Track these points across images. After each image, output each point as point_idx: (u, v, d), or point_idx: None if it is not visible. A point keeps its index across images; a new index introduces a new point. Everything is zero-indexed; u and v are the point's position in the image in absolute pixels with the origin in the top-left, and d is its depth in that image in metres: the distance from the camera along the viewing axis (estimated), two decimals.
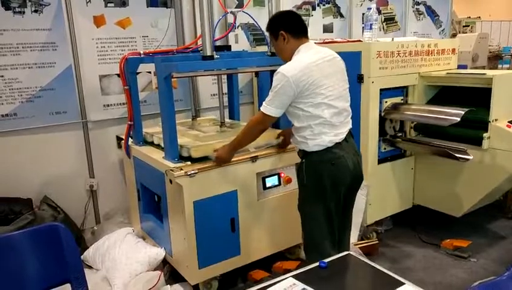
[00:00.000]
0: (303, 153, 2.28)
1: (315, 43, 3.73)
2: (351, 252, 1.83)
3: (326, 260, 1.71)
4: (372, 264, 1.69)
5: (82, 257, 2.96)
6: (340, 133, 2.22)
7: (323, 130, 2.18)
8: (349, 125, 2.31)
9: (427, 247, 3.25)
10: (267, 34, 2.41)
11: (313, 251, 2.32)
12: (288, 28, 2.24)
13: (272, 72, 2.89)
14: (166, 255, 2.79)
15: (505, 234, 3.43)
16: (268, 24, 2.34)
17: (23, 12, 2.97)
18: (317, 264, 1.68)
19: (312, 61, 2.17)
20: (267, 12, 2.83)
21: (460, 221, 3.39)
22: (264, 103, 2.19)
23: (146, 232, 3.10)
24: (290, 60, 2.22)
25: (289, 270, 1.98)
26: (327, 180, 2.20)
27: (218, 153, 2.49)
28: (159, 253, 2.78)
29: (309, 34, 4.20)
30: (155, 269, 2.77)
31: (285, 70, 2.13)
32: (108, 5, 3.29)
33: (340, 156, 2.20)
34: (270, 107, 2.17)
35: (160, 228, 2.85)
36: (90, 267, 2.95)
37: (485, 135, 2.94)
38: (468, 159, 2.95)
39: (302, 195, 2.34)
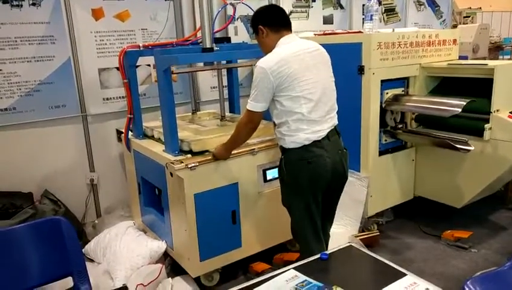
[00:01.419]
0: (282, 149, 2.26)
1: (315, 34, 3.74)
2: (352, 244, 1.83)
3: (328, 252, 1.71)
4: (374, 255, 1.69)
5: (83, 250, 2.97)
6: (320, 131, 2.16)
7: (300, 127, 2.13)
8: (333, 121, 2.24)
9: (428, 238, 3.25)
10: None
11: (298, 241, 2.39)
12: (266, 22, 2.22)
13: None
14: (168, 248, 2.80)
15: (505, 225, 3.43)
16: (250, 21, 2.34)
17: (21, 5, 2.95)
18: (318, 256, 1.68)
19: (291, 53, 2.13)
20: (267, 4, 2.80)
21: (461, 212, 3.39)
22: (248, 100, 2.19)
23: (147, 225, 3.11)
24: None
25: (290, 262, 1.98)
26: (304, 179, 2.17)
27: (215, 151, 2.48)
28: (160, 246, 2.79)
29: (309, 26, 4.19)
30: (156, 262, 2.77)
31: (263, 63, 2.11)
32: None
33: (318, 155, 2.15)
34: (254, 103, 2.15)
35: (161, 221, 2.85)
36: (91, 260, 2.96)
37: (486, 125, 2.93)
38: (469, 150, 2.94)
39: (283, 191, 2.35)
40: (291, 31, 2.28)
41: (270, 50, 2.20)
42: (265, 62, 2.11)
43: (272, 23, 2.22)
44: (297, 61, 2.12)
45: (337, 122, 2.27)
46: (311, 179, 2.18)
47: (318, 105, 2.15)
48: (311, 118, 2.13)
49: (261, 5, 2.37)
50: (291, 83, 2.10)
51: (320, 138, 2.15)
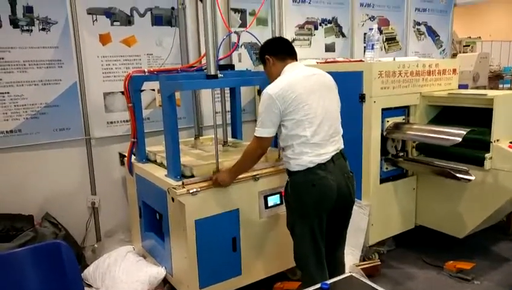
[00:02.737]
0: (288, 173, 2.32)
1: (317, 62, 3.81)
2: (353, 274, 1.82)
3: (328, 282, 1.69)
4: (374, 286, 1.68)
5: (82, 275, 2.94)
6: (324, 154, 2.20)
7: (304, 150, 2.19)
8: (338, 145, 2.29)
9: (430, 268, 3.22)
10: None
11: (300, 268, 2.38)
12: (273, 52, 2.34)
13: None
14: (167, 274, 2.77)
15: (508, 256, 3.39)
16: (258, 52, 2.46)
17: (31, 30, 3.02)
18: (319, 285, 1.67)
19: (295, 78, 2.22)
20: (270, 32, 2.86)
21: (463, 242, 3.36)
22: (256, 127, 2.24)
23: (147, 250, 3.08)
24: None
25: None
26: (309, 201, 2.21)
27: (220, 176, 2.47)
28: (159, 272, 2.76)
29: (312, 53, 4.27)
30: (155, 289, 2.74)
31: (269, 90, 2.19)
32: (114, 23, 3.34)
33: (323, 177, 2.18)
34: (262, 129, 2.22)
35: (161, 247, 2.84)
36: (90, 285, 2.93)
37: (487, 155, 2.94)
38: (470, 180, 2.94)
39: (288, 214, 2.37)
40: (296, 59, 2.37)
41: (275, 78, 2.29)
42: (271, 88, 2.19)
43: (277, 52, 2.33)
44: (302, 86, 2.19)
45: (342, 146, 2.32)
46: (316, 202, 2.21)
47: (321, 128, 2.20)
48: (314, 141, 2.19)
49: (264, 33, 2.45)
50: (296, 106, 2.16)
51: (324, 161, 2.20)
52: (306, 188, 2.20)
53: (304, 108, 2.17)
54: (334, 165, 2.22)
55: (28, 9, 3.00)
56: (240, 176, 2.58)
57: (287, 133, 2.21)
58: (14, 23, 2.97)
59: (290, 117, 2.18)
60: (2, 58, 2.97)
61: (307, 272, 2.32)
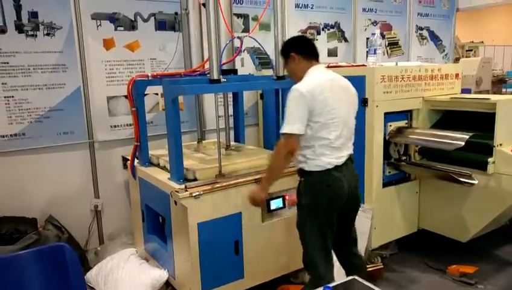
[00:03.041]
0: (302, 173, 2.32)
1: None
2: (356, 277, 1.82)
3: (331, 285, 1.70)
4: (377, 289, 1.68)
5: (85, 277, 2.95)
6: (341, 157, 2.27)
7: (325, 152, 2.23)
8: (351, 150, 2.36)
9: (433, 272, 3.21)
10: (273, 58, 2.46)
11: (309, 268, 2.38)
12: (300, 50, 2.33)
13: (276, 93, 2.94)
14: (169, 277, 2.78)
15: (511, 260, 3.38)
16: (281, 48, 2.45)
17: (36, 35, 3.06)
18: (321, 288, 1.67)
19: (324, 80, 2.26)
20: (273, 37, 2.88)
21: (466, 246, 3.35)
22: (282, 126, 2.19)
23: (149, 253, 3.09)
24: (297, 81, 2.29)
25: None
26: (322, 202, 2.25)
27: (251, 193, 2.38)
28: (162, 275, 2.77)
29: None
30: None
31: (299, 87, 2.20)
32: (118, 28, 3.37)
33: (337, 178, 2.24)
34: (290, 125, 2.17)
35: (163, 250, 2.84)
36: (92, 288, 2.94)
37: (489, 159, 2.94)
38: (473, 184, 2.94)
39: (299, 213, 2.37)
40: (319, 62, 2.40)
41: (300, 77, 2.31)
42: (301, 86, 2.20)
43: (304, 51, 2.34)
44: (329, 90, 2.23)
45: (352, 152, 2.38)
46: (329, 202, 2.26)
47: (342, 132, 2.27)
48: (335, 145, 2.24)
49: (267, 38, 2.46)
50: (323, 109, 2.19)
51: (341, 163, 2.26)
52: (320, 188, 2.24)
53: (331, 112, 2.21)
54: (346, 167, 2.29)
55: (33, 15, 3.03)
56: (242, 179, 2.60)
57: (312, 135, 2.22)
58: (19, 28, 3.00)
59: (317, 119, 2.20)
60: (7, 63, 3.00)
61: (316, 272, 2.33)
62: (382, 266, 3.16)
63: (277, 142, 2.26)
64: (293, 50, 2.34)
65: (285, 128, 2.17)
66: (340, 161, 2.26)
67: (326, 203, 2.25)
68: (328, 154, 2.23)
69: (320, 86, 2.21)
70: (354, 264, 2.49)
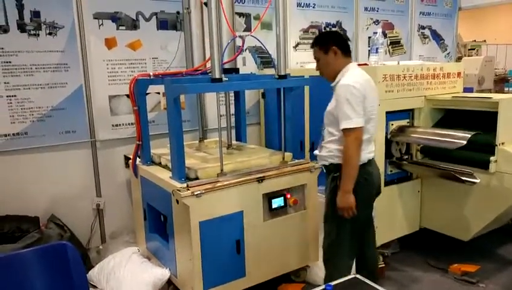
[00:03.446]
0: (335, 167, 2.34)
1: None
2: (358, 276, 1.82)
3: (333, 283, 1.70)
4: (379, 288, 1.68)
5: (87, 276, 2.95)
6: (372, 151, 2.41)
7: (363, 147, 2.29)
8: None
9: (435, 271, 3.21)
10: (274, 57, 2.44)
11: (333, 263, 2.41)
12: (341, 45, 2.36)
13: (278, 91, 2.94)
14: (171, 275, 2.78)
15: None
16: (319, 38, 2.43)
17: (38, 34, 3.06)
18: (323, 287, 1.68)
19: (365, 78, 2.34)
20: (274, 36, 2.88)
21: (468, 245, 3.35)
22: (343, 122, 2.21)
23: (151, 252, 3.10)
24: (332, 76, 2.34)
25: None
26: (360, 195, 2.29)
27: (344, 205, 2.27)
28: (163, 274, 2.78)
29: None
30: None
31: (350, 82, 2.24)
32: (120, 27, 3.38)
33: (371, 172, 2.36)
34: (356, 119, 2.20)
35: (165, 248, 2.85)
36: (94, 286, 2.94)
37: (492, 158, 2.94)
38: (474, 183, 2.94)
39: (333, 209, 2.35)
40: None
41: (333, 71, 2.34)
42: (353, 81, 2.25)
43: (345, 47, 2.38)
44: (369, 86, 2.31)
45: None
46: (366, 196, 2.34)
47: (375, 129, 2.41)
48: (371, 140, 2.39)
49: (269, 37, 2.46)
50: (366, 104, 2.27)
51: (372, 157, 2.37)
52: (359, 182, 2.27)
53: (371, 108, 2.30)
54: (374, 162, 2.40)
55: (35, 14, 3.04)
56: (244, 178, 2.60)
57: None
58: (22, 27, 3.01)
59: (364, 113, 2.26)
60: (9, 62, 3.01)
61: (334, 267, 2.38)
62: (384, 265, 3.17)
63: (345, 141, 2.25)
64: (335, 43, 2.34)
65: (352, 123, 2.20)
66: (372, 155, 2.38)
67: (363, 198, 2.31)
68: (364, 148, 2.29)
69: (365, 82, 2.29)
70: (370, 259, 2.56)
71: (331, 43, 2.34)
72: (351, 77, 2.28)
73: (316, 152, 2.53)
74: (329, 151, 2.38)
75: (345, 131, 2.22)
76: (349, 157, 2.25)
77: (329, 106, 2.38)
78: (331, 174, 2.39)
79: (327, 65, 2.38)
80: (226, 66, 2.91)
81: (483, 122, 3.08)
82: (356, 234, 2.41)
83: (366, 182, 2.32)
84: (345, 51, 2.37)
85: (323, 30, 4.54)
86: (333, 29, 4.61)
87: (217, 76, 2.56)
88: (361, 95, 2.22)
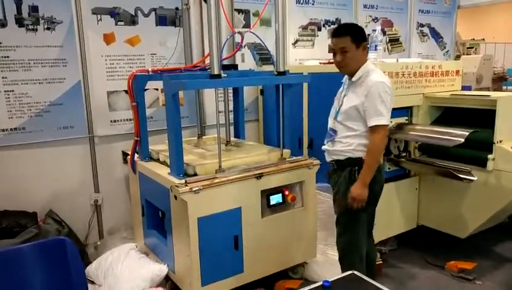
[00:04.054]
0: (354, 161, 2.35)
1: (320, 62, 3.82)
2: (355, 272, 1.83)
3: (330, 280, 1.71)
4: (376, 284, 1.69)
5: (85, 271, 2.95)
6: None
7: None
8: None
9: (432, 268, 3.22)
10: (273, 54, 2.42)
11: (353, 255, 2.44)
12: (367, 43, 2.38)
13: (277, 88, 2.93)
14: (169, 271, 2.79)
15: (510, 257, 3.39)
16: (352, 30, 2.34)
17: (36, 29, 3.05)
18: (320, 283, 1.68)
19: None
20: (274, 32, 2.88)
21: (465, 242, 3.36)
22: (374, 119, 2.24)
23: (149, 248, 3.10)
24: (353, 71, 2.34)
25: (291, 289, 1.96)
26: (376, 188, 2.37)
27: (353, 193, 2.31)
28: (161, 269, 2.78)
29: (314, 54, 4.27)
30: (158, 286, 2.76)
31: (383, 79, 2.28)
32: (119, 23, 3.37)
33: (381, 169, 2.44)
34: (387, 117, 2.26)
35: (163, 244, 2.85)
36: (92, 282, 2.94)
37: (489, 156, 2.95)
38: (472, 180, 2.95)
39: (344, 203, 2.37)
40: None
41: (355, 68, 2.34)
42: (385, 79, 2.31)
43: (367, 46, 2.39)
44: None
45: None
46: (377, 190, 2.41)
47: None
48: None
49: (268, 34, 2.45)
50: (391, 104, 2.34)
51: None
52: (374, 176, 2.31)
53: (390, 107, 2.33)
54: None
55: (34, 9, 3.03)
56: (242, 175, 2.60)
57: None
58: (20, 22, 2.99)
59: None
60: (7, 57, 3.00)
61: (351, 263, 2.39)
62: (381, 262, 3.17)
63: (373, 137, 2.28)
64: (365, 41, 2.35)
65: (384, 120, 2.24)
66: None
67: (376, 192, 2.39)
68: None
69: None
70: (368, 255, 2.57)
71: (363, 39, 2.32)
72: (381, 75, 2.31)
73: (326, 147, 2.50)
74: (348, 145, 2.36)
75: (375, 127, 2.25)
76: (376, 153, 2.32)
77: (352, 101, 2.33)
78: (347, 168, 2.38)
79: (354, 59, 2.32)
80: (225, 62, 2.91)
81: (481, 120, 3.08)
82: (366, 229, 2.48)
83: (379, 177, 2.38)
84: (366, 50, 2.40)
85: (322, 27, 4.53)
86: (332, 26, 4.60)
87: (216, 72, 2.56)
88: (391, 94, 2.28)
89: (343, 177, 2.40)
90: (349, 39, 2.29)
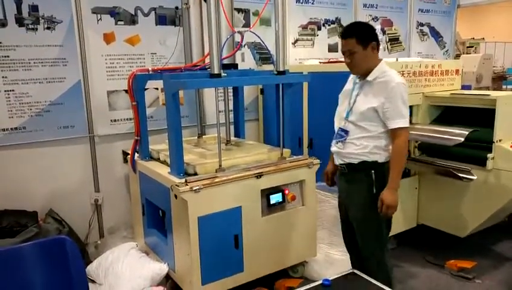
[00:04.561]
0: (370, 165, 2.29)
1: (320, 62, 3.83)
2: (355, 271, 1.84)
3: (330, 278, 1.71)
4: (376, 283, 1.70)
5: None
6: None
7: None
8: None
9: (432, 267, 3.22)
10: (273, 53, 2.40)
11: (383, 255, 2.41)
12: (378, 42, 2.30)
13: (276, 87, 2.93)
14: (170, 270, 2.79)
15: (510, 256, 3.39)
16: (358, 30, 2.27)
17: (36, 29, 3.05)
18: (320, 282, 1.69)
19: None
20: (273, 32, 2.88)
21: (465, 241, 3.37)
22: (397, 121, 2.19)
23: (150, 247, 3.11)
24: (365, 71, 2.28)
25: (292, 288, 1.97)
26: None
27: (385, 201, 2.23)
28: (162, 268, 2.78)
29: (314, 54, 4.28)
30: (158, 285, 2.76)
31: (401, 80, 2.24)
32: (119, 22, 3.37)
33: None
34: (407, 119, 2.23)
35: (163, 243, 2.86)
36: (93, 281, 2.95)
37: (489, 155, 2.95)
38: (472, 180, 2.95)
39: (370, 205, 2.30)
40: None
41: (367, 67, 2.27)
42: (401, 79, 2.25)
43: (378, 43, 2.31)
44: None
45: None
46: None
47: None
48: None
49: (267, 33, 2.43)
50: None
51: None
52: (383, 177, 2.28)
53: None
54: None
55: (34, 8, 3.03)
56: (242, 174, 2.60)
57: None
58: (20, 21, 3.00)
59: None
60: (8, 57, 3.00)
61: (383, 262, 2.38)
62: None
63: (397, 140, 2.22)
64: (374, 39, 2.26)
65: (406, 122, 2.20)
66: None
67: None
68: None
69: None
70: None
71: (372, 39, 2.24)
72: (398, 76, 2.26)
73: (336, 149, 2.38)
74: (362, 147, 2.28)
75: (398, 129, 2.20)
76: (402, 156, 2.25)
77: (369, 102, 2.24)
78: (360, 172, 2.30)
79: (363, 60, 2.25)
80: (225, 61, 2.91)
81: (481, 119, 3.09)
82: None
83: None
84: (378, 47, 2.31)
85: (322, 27, 4.54)
86: (332, 26, 4.61)
87: (216, 71, 2.56)
88: (407, 91, 2.24)
89: (358, 182, 2.32)
90: (355, 41, 2.23)
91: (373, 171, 2.27)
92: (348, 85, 2.45)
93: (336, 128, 2.42)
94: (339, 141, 2.36)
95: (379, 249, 2.40)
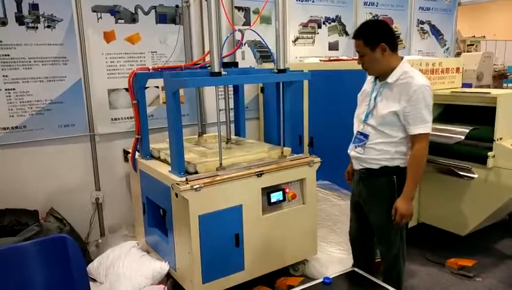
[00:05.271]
0: (391, 170, 2.20)
1: (320, 60, 3.82)
2: (355, 269, 1.84)
3: (331, 276, 1.72)
4: (376, 281, 1.70)
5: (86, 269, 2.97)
6: None
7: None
8: None
9: (432, 266, 3.22)
10: (274, 51, 2.40)
11: (403, 259, 2.39)
12: (389, 41, 2.15)
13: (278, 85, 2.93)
14: (170, 269, 2.79)
15: (510, 254, 3.39)
16: (365, 32, 2.19)
17: (36, 27, 3.05)
18: (321, 280, 1.69)
19: None
20: (274, 30, 2.88)
21: (466, 240, 3.37)
22: (420, 126, 2.08)
23: (150, 245, 3.11)
24: (381, 73, 2.18)
25: (292, 287, 1.97)
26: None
27: (400, 209, 2.16)
28: (163, 267, 2.79)
29: (315, 52, 4.27)
30: (159, 283, 2.76)
31: (426, 82, 2.10)
32: (119, 21, 3.37)
33: None
34: (430, 124, 2.10)
35: (164, 242, 2.86)
36: (94, 280, 2.96)
37: (489, 153, 2.95)
38: (472, 178, 2.95)
39: (389, 212, 2.23)
40: None
41: (382, 69, 2.17)
42: (426, 82, 2.10)
43: (393, 42, 2.19)
44: None
45: None
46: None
47: None
48: None
49: (268, 31, 2.42)
50: None
51: None
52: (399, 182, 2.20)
53: None
54: None
55: (34, 7, 3.03)
56: (243, 172, 2.60)
57: None
58: (20, 20, 3.00)
59: None
60: (8, 55, 3.00)
61: (399, 267, 2.38)
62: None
63: (417, 146, 2.12)
64: (383, 40, 2.13)
65: (429, 128, 2.09)
66: None
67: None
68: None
69: None
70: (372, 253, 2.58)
71: (380, 40, 2.12)
72: (422, 77, 2.13)
73: (356, 153, 2.29)
74: (383, 153, 2.18)
75: (420, 136, 2.09)
76: (421, 164, 2.14)
77: (390, 106, 2.14)
78: (380, 178, 2.22)
79: (374, 62, 2.17)
80: (225, 60, 2.91)
81: (481, 117, 3.08)
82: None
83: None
84: (394, 46, 2.17)
85: (322, 25, 4.53)
86: (332, 24, 4.60)
87: (216, 70, 2.56)
88: (431, 94, 2.11)
89: (380, 189, 2.24)
90: (362, 42, 2.16)
91: (395, 177, 2.18)
92: (366, 85, 2.35)
93: (355, 132, 2.33)
94: (358, 146, 2.27)
95: (400, 252, 2.37)
